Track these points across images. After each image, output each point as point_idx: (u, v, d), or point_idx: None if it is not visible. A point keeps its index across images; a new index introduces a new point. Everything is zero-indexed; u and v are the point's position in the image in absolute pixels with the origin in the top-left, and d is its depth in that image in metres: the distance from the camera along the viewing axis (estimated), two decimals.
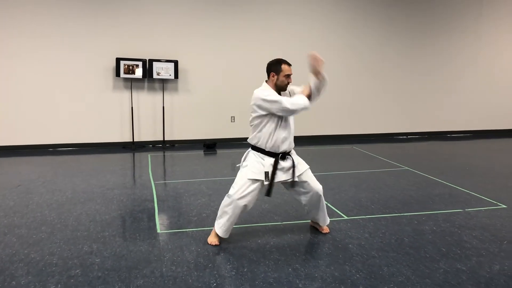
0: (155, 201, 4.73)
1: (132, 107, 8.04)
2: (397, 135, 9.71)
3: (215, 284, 2.89)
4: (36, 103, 7.63)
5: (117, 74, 7.74)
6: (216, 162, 7.26)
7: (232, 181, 3.58)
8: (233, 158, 7.39)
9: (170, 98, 8.26)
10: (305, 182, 3.59)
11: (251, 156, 3.58)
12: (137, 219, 4.18)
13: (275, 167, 3.47)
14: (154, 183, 5.49)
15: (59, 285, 2.84)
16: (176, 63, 7.98)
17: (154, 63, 7.89)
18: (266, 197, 4.78)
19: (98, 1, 7.69)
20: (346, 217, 4.24)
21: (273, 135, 3.48)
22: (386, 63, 9.40)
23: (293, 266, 3.17)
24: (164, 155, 7.51)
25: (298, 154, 3.72)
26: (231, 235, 3.71)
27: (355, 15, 9.05)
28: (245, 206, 3.43)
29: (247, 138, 3.72)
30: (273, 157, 3.49)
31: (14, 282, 2.87)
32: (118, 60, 7.71)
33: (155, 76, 7.92)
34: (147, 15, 7.94)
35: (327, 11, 8.89)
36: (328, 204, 4.60)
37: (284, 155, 3.53)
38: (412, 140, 9.41)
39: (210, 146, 8.19)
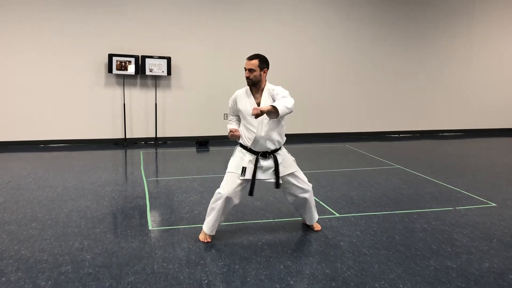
0: (147, 198, 4.71)
1: (124, 104, 7.99)
2: (389, 134, 9.75)
3: (206, 281, 2.89)
4: (27, 99, 7.56)
5: (110, 70, 7.69)
6: (208, 159, 7.25)
7: (219, 177, 3.59)
8: (225, 155, 7.36)
9: (162, 94, 8.23)
10: (290, 184, 3.55)
11: (235, 151, 3.59)
12: (129, 216, 4.16)
13: (255, 165, 3.43)
14: (146, 180, 5.47)
15: (50, 282, 2.83)
16: (169, 59, 7.95)
17: (146, 59, 7.84)
18: (259, 195, 4.81)
19: None
20: (337, 215, 4.25)
21: (248, 133, 3.46)
22: (379, 62, 9.42)
23: (285, 263, 3.17)
24: (156, 152, 7.48)
25: (289, 151, 3.71)
26: (223, 232, 3.71)
27: (347, 14, 9.05)
28: (228, 199, 3.38)
29: None
30: (254, 154, 3.46)
31: (3, 279, 2.85)
32: (110, 56, 7.66)
33: (147, 72, 7.88)
34: (140, 11, 7.90)
35: (321, 10, 8.89)
36: (320, 202, 4.62)
37: (266, 153, 3.46)
38: (404, 138, 9.46)
39: (202, 143, 8.17)
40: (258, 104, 3.42)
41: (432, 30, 9.63)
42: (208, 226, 3.50)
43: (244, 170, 3.42)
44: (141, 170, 6.02)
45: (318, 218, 3.87)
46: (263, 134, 3.39)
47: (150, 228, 3.86)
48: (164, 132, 8.36)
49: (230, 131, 3.46)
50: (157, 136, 8.23)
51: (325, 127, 9.32)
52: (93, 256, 3.23)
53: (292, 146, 8.17)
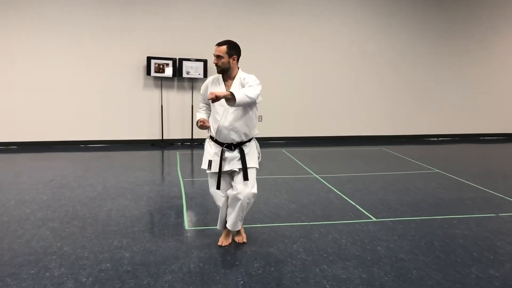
0: (183, 198, 4.78)
1: (162, 106, 8.15)
2: (427, 137, 9.52)
3: (242, 282, 2.90)
4: (68, 101, 7.82)
5: (148, 73, 7.86)
6: None
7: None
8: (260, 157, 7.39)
9: (199, 97, 8.32)
10: (238, 176, 3.33)
11: (205, 144, 3.49)
12: (166, 215, 4.23)
13: (220, 157, 3.30)
14: (183, 180, 5.55)
15: (90, 278, 2.91)
16: (205, 62, 8.04)
17: (184, 62, 7.97)
18: (294, 197, 4.80)
19: (130, 1, 7.83)
20: (374, 219, 4.18)
21: (214, 123, 3.32)
22: (417, 64, 9.23)
23: (320, 266, 3.15)
24: (192, 153, 7.58)
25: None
26: (258, 234, 3.72)
27: (381, 15, 8.92)
28: (214, 195, 3.41)
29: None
30: (220, 146, 3.33)
31: (48, 274, 2.96)
32: (149, 59, 7.83)
33: (184, 75, 8.01)
34: (178, 14, 8.04)
35: (349, 11, 8.79)
36: (356, 206, 4.56)
37: (231, 146, 3.31)
38: (443, 142, 9.22)
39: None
40: None
41: (475, 32, 9.35)
42: (218, 223, 3.56)
43: (210, 163, 3.34)
44: (177, 171, 6.12)
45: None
46: (226, 124, 3.24)
47: (186, 228, 3.91)
48: (200, 133, 8.44)
49: (199, 121, 3.34)
50: (193, 137, 8.34)
51: (361, 130, 9.19)
52: (132, 254, 3.30)
53: (327, 148, 8.12)
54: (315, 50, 8.70)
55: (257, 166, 3.44)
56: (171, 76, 7.96)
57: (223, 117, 3.25)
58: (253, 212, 4.31)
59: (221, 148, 3.33)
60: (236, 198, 3.29)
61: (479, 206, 4.63)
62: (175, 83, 8.22)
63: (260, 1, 8.36)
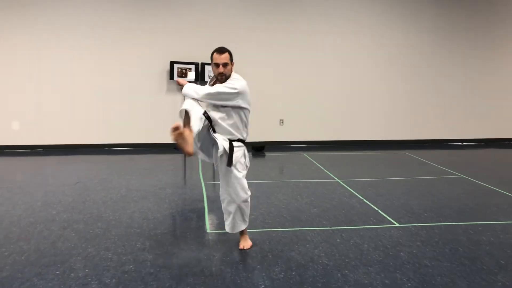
0: (205, 201, 4.81)
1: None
2: (452, 142, 9.36)
3: (263, 286, 2.90)
4: (94, 105, 7.98)
5: (171, 77, 7.95)
6: (264, 165, 7.29)
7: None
8: (281, 161, 7.39)
9: None
10: (223, 177, 3.36)
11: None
12: (188, 218, 4.27)
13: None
14: (204, 184, 5.59)
15: (114, 280, 2.95)
16: None
17: (206, 66, 8.04)
18: (315, 202, 4.78)
19: (154, 6, 7.95)
20: (397, 224, 4.13)
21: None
22: (441, 68, 9.10)
23: (342, 271, 3.12)
24: None
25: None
26: (279, 238, 3.72)
27: (404, 17, 8.83)
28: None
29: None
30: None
31: (73, 274, 3.02)
32: (172, 64, 7.93)
33: (206, 79, 8.06)
34: (200, 19, 8.12)
35: (380, 11, 8.73)
36: (379, 211, 4.52)
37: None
38: (467, 147, 9.05)
39: (258, 149, 8.23)
40: None
41: (502, 34, 9.17)
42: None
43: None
44: (199, 174, 6.16)
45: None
46: (216, 118, 3.25)
47: (208, 231, 3.94)
48: None
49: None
50: None
51: (384, 134, 9.10)
52: (154, 256, 3.34)
53: (349, 153, 8.06)
54: (337, 53, 8.66)
55: (243, 172, 3.39)
56: (193, 80, 7.98)
57: (220, 121, 3.27)
58: (274, 216, 4.32)
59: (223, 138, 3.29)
60: (231, 202, 3.37)
61: (506, 213, 4.52)
62: None
63: (283, 4, 8.37)
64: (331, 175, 6.14)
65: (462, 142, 9.39)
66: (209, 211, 4.50)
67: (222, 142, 3.25)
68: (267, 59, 8.43)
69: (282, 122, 8.69)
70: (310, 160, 7.25)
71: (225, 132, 3.31)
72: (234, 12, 8.24)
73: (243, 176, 3.41)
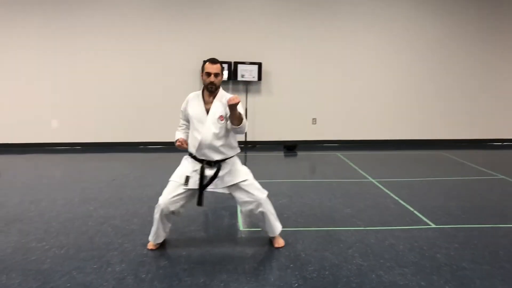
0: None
1: None
2: (491, 141, 9.06)
3: (296, 285, 2.89)
4: (129, 104, 8.15)
5: None
6: (296, 164, 7.26)
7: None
8: (313, 160, 7.34)
9: (253, 99, 8.41)
10: (238, 194, 3.34)
11: (182, 160, 3.46)
12: (220, 216, 4.30)
13: (201, 174, 3.26)
14: None
15: (149, 275, 3.01)
16: (260, 65, 8.11)
17: (239, 65, 8.07)
18: (349, 202, 4.73)
19: (185, 6, 8.04)
20: (433, 226, 4.04)
21: (194, 140, 3.29)
22: (479, 64, 8.82)
23: (377, 272, 3.08)
24: (245, 155, 7.65)
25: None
26: (312, 237, 3.70)
27: (440, 17, 8.60)
28: (162, 209, 3.26)
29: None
30: (199, 163, 3.29)
31: (110, 269, 3.09)
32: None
33: (239, 78, 8.11)
34: (233, 19, 8.16)
35: (407, 15, 8.54)
36: (414, 212, 4.42)
37: (210, 163, 3.28)
38: (508, 147, 8.73)
39: (290, 148, 8.20)
40: (207, 111, 3.26)
41: None
42: (151, 235, 3.46)
43: (187, 179, 3.27)
44: None
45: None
46: (208, 141, 3.22)
47: (241, 229, 3.95)
48: (254, 136, 8.53)
49: (178, 141, 3.34)
50: (247, 140, 8.42)
51: (419, 134, 8.90)
52: (188, 252, 3.38)
53: (384, 152, 7.92)
54: (371, 52, 8.53)
55: (248, 177, 3.36)
56: (226, 79, 8.08)
57: (204, 135, 3.22)
58: (307, 215, 4.30)
59: (200, 165, 3.28)
60: (254, 209, 3.33)
61: None
62: (230, 86, 8.34)
63: (317, 2, 8.30)
64: (365, 174, 6.06)
65: (502, 142, 9.07)
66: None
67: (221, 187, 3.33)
68: (300, 57, 8.39)
69: (315, 121, 8.63)
70: (343, 159, 7.17)
71: (219, 152, 3.28)
72: (267, 10, 8.23)
73: (252, 178, 3.39)
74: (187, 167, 3.34)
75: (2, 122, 7.95)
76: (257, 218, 3.44)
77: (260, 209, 3.34)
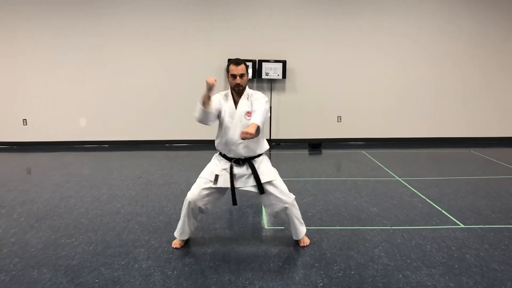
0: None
1: None
2: None
3: (322, 284, 2.88)
4: (154, 102, 8.25)
5: None
6: (321, 162, 7.22)
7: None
8: (338, 158, 7.28)
9: (277, 97, 8.40)
10: (264, 195, 3.32)
11: (212, 158, 3.48)
12: (245, 214, 4.31)
13: (230, 172, 3.28)
14: None
15: (175, 272, 3.05)
16: (284, 63, 8.08)
17: (263, 63, 8.07)
18: (375, 200, 4.67)
19: (210, 5, 8.08)
20: (462, 226, 3.95)
21: (222, 137, 3.30)
22: (508, 62, 8.57)
23: (403, 272, 3.03)
24: (270, 153, 7.65)
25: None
26: (337, 236, 3.67)
27: (470, 13, 8.39)
28: (191, 203, 3.28)
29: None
30: (228, 161, 3.32)
31: (136, 265, 3.14)
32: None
33: (263, 76, 8.11)
34: (258, 17, 8.15)
35: (443, 10, 8.36)
36: (442, 211, 4.34)
37: (239, 160, 3.29)
38: None
39: (315, 146, 8.16)
40: (236, 107, 3.29)
41: None
42: (176, 230, 3.48)
43: (217, 177, 3.28)
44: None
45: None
46: (235, 138, 3.21)
47: (265, 227, 3.96)
48: (278, 134, 8.52)
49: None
50: (271, 137, 8.41)
51: (447, 131, 8.72)
52: (214, 250, 3.41)
53: (410, 150, 7.80)
54: (399, 49, 8.40)
55: (276, 178, 3.33)
56: (250, 77, 8.09)
57: (232, 131, 3.24)
58: (332, 214, 4.27)
59: (229, 164, 3.31)
60: (282, 211, 3.32)
61: None
62: (255, 84, 8.34)
63: (341, 4, 8.22)
64: (392, 173, 5.97)
65: None
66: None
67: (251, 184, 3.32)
68: (324, 55, 8.32)
69: (340, 119, 8.55)
70: (368, 157, 7.09)
71: (248, 149, 3.29)
72: (291, 9, 8.19)
73: (280, 180, 3.37)
74: (217, 165, 3.38)
75: (32, 120, 8.17)
76: (282, 220, 3.46)
77: (285, 213, 3.34)
